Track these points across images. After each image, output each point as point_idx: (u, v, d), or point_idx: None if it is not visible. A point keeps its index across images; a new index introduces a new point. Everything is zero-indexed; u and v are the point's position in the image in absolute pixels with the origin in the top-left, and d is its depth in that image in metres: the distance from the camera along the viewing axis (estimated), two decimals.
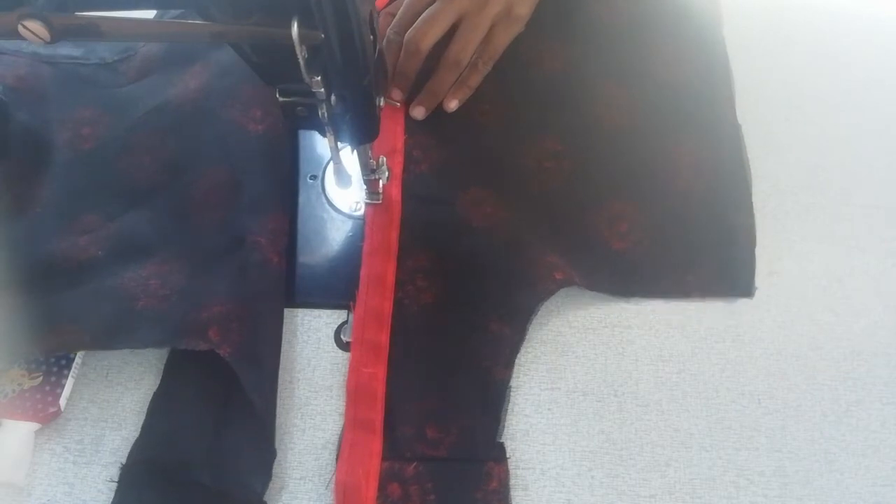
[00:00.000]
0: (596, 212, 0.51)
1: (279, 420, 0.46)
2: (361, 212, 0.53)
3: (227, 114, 0.54)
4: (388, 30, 0.56)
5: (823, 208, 0.53)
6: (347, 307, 0.50)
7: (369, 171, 0.48)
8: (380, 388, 0.46)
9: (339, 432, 0.46)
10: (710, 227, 0.51)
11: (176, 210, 0.52)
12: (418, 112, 0.55)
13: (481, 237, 0.50)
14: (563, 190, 0.52)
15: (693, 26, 0.59)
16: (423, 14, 0.54)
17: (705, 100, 0.56)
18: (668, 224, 0.51)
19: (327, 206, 0.54)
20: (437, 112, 0.55)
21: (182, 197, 0.52)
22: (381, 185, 0.51)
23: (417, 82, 0.55)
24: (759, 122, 0.55)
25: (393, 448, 0.44)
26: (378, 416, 0.45)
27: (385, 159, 0.49)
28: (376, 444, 0.44)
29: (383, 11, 0.58)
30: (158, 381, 0.47)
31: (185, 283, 0.48)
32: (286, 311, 0.50)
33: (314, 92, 0.35)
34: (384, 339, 0.48)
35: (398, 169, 0.53)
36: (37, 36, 0.30)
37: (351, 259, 0.51)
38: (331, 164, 0.56)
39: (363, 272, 0.50)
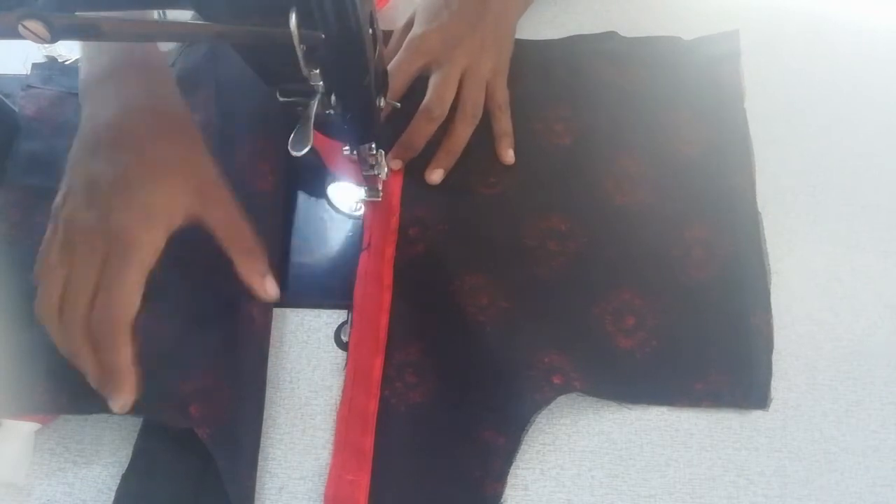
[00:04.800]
0: (601, 302, 0.48)
1: (280, 419, 0.46)
2: (362, 212, 0.53)
3: (233, 160, 0.50)
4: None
5: (823, 208, 0.53)
6: (347, 307, 0.49)
7: (368, 168, 0.48)
8: (362, 499, 0.43)
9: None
10: (723, 328, 0.47)
11: (174, 259, 0.46)
12: (437, 175, 0.53)
13: (476, 331, 0.47)
14: (566, 275, 0.49)
15: (713, 98, 0.55)
16: (431, 81, 0.53)
17: (724, 181, 0.52)
18: (679, 322, 0.47)
19: (327, 206, 0.54)
20: (440, 183, 0.53)
21: (181, 245, 0.47)
22: (380, 182, 0.51)
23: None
24: (759, 122, 0.55)
25: None
26: None
27: (384, 154, 0.48)
28: None
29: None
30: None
31: (171, 344, 0.45)
32: (287, 311, 0.50)
33: (313, 85, 0.35)
34: (368, 443, 0.45)
35: (391, 250, 0.51)
36: (37, 36, 0.30)
37: (351, 259, 0.51)
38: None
39: (349, 366, 0.47)
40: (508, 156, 0.53)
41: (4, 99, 0.55)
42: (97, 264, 0.39)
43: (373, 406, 0.46)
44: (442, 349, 0.47)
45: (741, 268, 0.49)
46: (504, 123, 0.54)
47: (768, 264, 0.49)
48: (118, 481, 0.44)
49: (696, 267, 0.49)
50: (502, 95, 0.55)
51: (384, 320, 0.48)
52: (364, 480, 0.44)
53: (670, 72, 0.57)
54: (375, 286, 0.50)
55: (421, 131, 0.53)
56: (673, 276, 0.49)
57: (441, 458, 0.44)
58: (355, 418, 0.45)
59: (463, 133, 0.53)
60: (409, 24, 0.57)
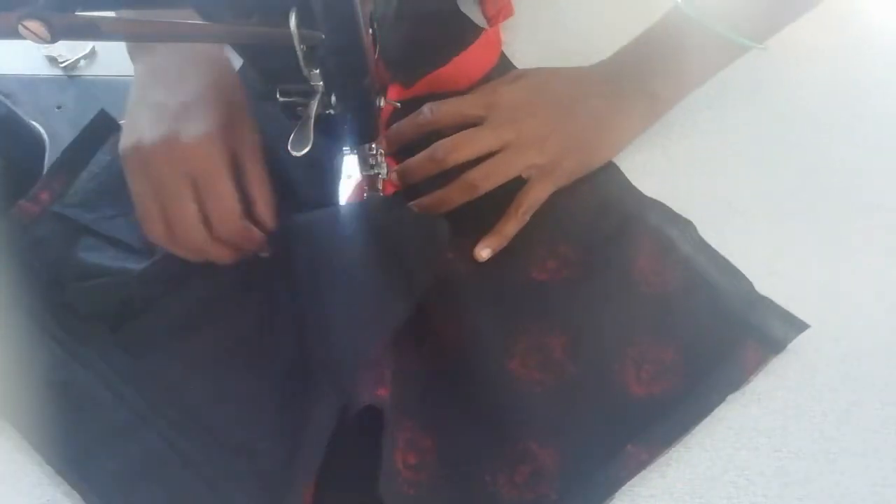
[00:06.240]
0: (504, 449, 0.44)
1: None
2: None
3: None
4: (426, 105, 0.52)
5: (823, 208, 0.53)
6: None
7: (368, 167, 0.48)
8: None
9: None
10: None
11: None
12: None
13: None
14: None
15: (719, 359, 0.46)
16: (468, 131, 0.50)
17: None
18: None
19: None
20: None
21: None
22: (380, 181, 0.51)
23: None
24: (759, 121, 0.55)
25: None
26: None
27: (383, 152, 0.48)
28: None
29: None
30: None
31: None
32: None
33: (313, 85, 0.35)
34: None
35: None
36: (37, 36, 0.30)
37: None
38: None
39: None
40: (483, 254, 0.50)
41: (7, 100, 0.55)
42: (188, 184, 0.43)
43: None
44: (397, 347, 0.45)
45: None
46: (509, 227, 0.50)
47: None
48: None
49: (636, 382, 0.46)
50: (530, 200, 0.50)
51: None
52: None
53: (704, 301, 0.48)
54: None
55: (452, 197, 0.50)
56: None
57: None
58: None
59: (453, 195, 0.50)
60: (510, 78, 0.55)
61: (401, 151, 0.53)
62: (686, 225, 0.51)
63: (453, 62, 0.57)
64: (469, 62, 0.58)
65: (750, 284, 0.49)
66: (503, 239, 0.50)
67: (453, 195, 0.50)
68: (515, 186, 0.51)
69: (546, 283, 0.49)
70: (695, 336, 0.47)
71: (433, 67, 0.57)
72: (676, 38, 0.51)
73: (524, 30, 0.61)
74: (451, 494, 0.42)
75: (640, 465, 0.43)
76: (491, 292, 0.49)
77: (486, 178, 0.50)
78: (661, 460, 0.44)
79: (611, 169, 0.54)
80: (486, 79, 0.58)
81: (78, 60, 0.61)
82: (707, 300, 0.48)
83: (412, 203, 0.51)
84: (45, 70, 0.61)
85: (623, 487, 0.43)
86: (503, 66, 0.59)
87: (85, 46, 0.62)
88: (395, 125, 0.53)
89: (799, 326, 0.47)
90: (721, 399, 0.45)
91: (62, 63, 0.61)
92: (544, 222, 0.51)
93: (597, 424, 0.45)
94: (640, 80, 0.52)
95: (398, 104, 0.54)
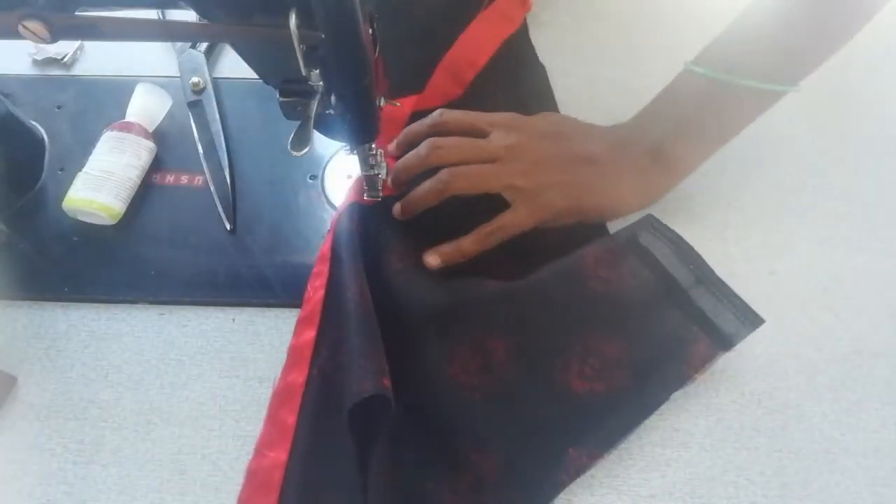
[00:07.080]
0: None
1: None
2: None
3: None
4: (438, 109, 0.53)
5: (823, 208, 0.53)
6: None
7: (368, 167, 0.48)
8: (277, 476, 0.41)
9: None
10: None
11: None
12: (395, 210, 0.51)
13: (393, 318, 0.46)
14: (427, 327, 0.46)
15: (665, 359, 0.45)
16: (463, 137, 0.51)
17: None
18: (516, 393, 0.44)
19: (327, 206, 0.54)
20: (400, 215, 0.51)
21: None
22: (380, 181, 0.51)
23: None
24: (759, 122, 0.55)
25: None
26: None
27: (382, 152, 0.48)
28: None
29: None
30: (159, 381, 0.47)
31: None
32: (288, 310, 0.50)
33: (313, 85, 0.35)
34: (291, 420, 0.43)
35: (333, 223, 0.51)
36: (37, 36, 0.30)
37: None
38: (330, 163, 0.56)
39: (291, 341, 0.47)
40: (430, 259, 0.49)
41: (7, 100, 0.55)
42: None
43: (300, 382, 0.45)
44: (364, 328, 0.45)
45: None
46: (467, 244, 0.49)
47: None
48: (118, 481, 0.44)
49: (579, 376, 0.45)
50: (502, 222, 0.49)
51: (321, 294, 0.48)
52: (282, 458, 0.42)
53: (658, 290, 0.47)
54: (322, 262, 0.50)
55: (425, 196, 0.49)
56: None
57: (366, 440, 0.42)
58: (284, 393, 0.45)
59: (426, 194, 0.49)
60: (535, 115, 0.54)
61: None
62: (645, 217, 0.50)
63: (458, 42, 0.57)
64: (476, 37, 0.58)
65: (710, 269, 0.47)
66: (458, 254, 0.49)
67: (426, 193, 0.49)
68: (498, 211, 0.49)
69: (497, 289, 0.48)
70: (643, 327, 0.46)
71: (439, 58, 0.57)
72: (698, 99, 0.49)
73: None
74: (393, 499, 0.41)
75: (581, 469, 0.42)
76: (439, 295, 0.47)
77: (456, 179, 0.48)
78: (661, 460, 0.44)
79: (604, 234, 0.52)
80: (508, 45, 0.59)
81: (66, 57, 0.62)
82: (661, 289, 0.47)
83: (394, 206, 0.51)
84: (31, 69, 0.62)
85: (623, 487, 0.43)
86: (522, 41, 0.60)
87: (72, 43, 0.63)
88: (407, 127, 0.54)
89: (753, 321, 0.45)
90: (665, 398, 0.44)
91: (61, 59, 0.61)
92: (517, 256, 0.49)
93: (538, 428, 0.43)
94: (659, 146, 0.50)
95: (398, 103, 0.54)
